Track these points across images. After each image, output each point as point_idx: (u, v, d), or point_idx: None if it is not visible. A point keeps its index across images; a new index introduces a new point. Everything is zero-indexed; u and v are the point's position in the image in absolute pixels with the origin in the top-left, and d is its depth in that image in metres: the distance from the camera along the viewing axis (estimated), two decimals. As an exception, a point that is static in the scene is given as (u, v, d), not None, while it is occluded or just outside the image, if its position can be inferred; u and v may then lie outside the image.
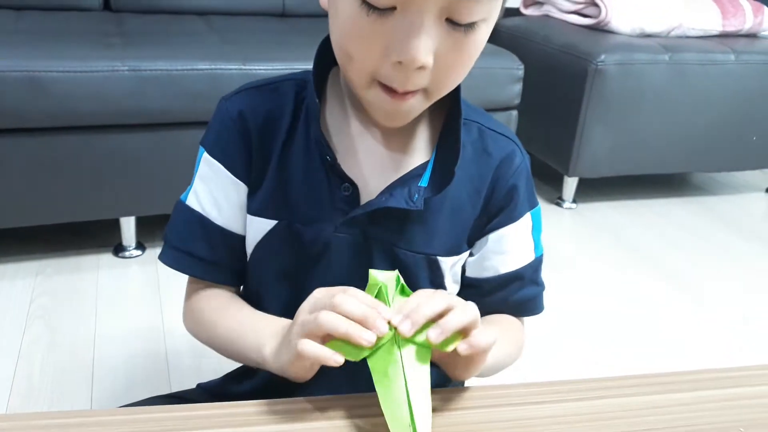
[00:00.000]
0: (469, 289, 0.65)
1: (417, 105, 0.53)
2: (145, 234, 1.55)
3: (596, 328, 1.41)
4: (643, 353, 1.33)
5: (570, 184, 1.99)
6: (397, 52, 0.47)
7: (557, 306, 1.46)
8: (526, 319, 0.69)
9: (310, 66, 0.59)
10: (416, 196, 0.57)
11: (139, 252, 1.53)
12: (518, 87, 1.65)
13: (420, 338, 0.46)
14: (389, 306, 0.48)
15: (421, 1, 0.45)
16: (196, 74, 1.33)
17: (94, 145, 1.35)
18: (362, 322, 0.46)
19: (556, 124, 1.93)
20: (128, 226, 1.50)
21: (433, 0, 0.45)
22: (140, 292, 1.39)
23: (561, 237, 1.81)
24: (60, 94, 1.26)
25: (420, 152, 0.60)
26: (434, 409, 0.46)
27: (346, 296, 0.47)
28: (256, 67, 1.37)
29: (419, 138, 0.60)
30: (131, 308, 1.34)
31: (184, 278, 0.67)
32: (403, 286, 0.50)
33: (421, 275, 0.61)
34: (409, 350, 0.46)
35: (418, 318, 0.46)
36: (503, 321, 0.66)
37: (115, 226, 1.50)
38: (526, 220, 0.63)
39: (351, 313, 0.46)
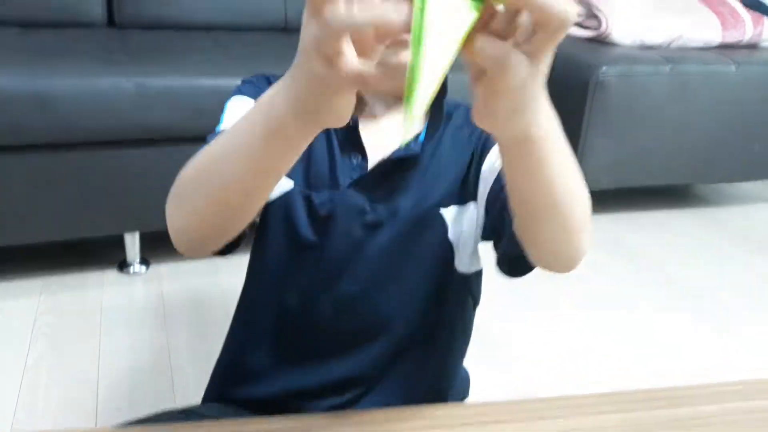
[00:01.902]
0: (500, 217, 0.60)
1: None
2: (150, 250, 1.54)
3: (601, 339, 1.40)
4: (649, 364, 1.32)
5: (573, 196, 1.99)
6: None
7: (562, 319, 1.46)
8: None
9: None
10: (413, 143, 0.63)
11: (143, 268, 1.53)
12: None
13: None
14: None
15: None
16: (201, 89, 1.34)
17: (99, 160, 1.36)
18: None
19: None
20: (132, 242, 1.50)
21: None
22: (144, 309, 1.39)
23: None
24: (65, 110, 1.27)
25: (418, 123, 0.64)
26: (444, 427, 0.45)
27: None
28: (261, 63, 1.37)
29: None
30: (135, 325, 1.34)
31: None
32: None
33: (424, 229, 0.64)
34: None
35: None
36: None
37: (119, 242, 1.51)
38: None
39: None
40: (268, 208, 0.65)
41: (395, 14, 0.32)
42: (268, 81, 0.67)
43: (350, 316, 0.67)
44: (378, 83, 0.34)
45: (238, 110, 0.64)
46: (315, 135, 0.42)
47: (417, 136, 0.63)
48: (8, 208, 1.33)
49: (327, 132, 0.63)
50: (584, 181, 0.52)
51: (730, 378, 0.60)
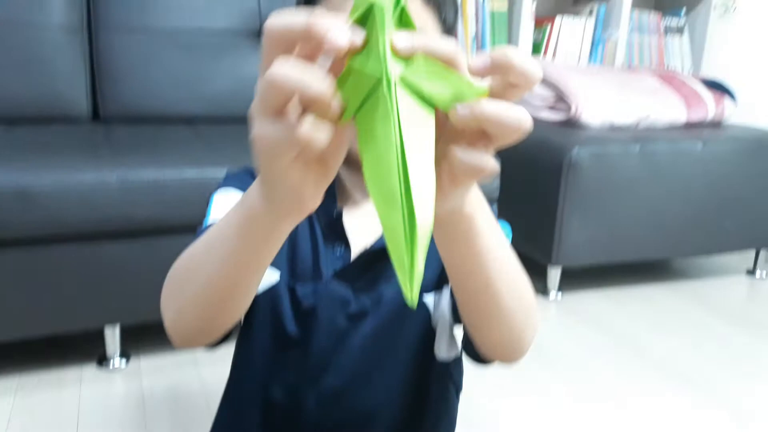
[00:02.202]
0: None
1: None
2: (130, 343, 1.52)
3: (588, 420, 1.38)
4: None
5: (553, 275, 2.01)
6: None
7: (547, 398, 1.44)
8: None
9: None
10: None
11: (123, 362, 1.49)
12: (496, 181, 1.70)
13: (421, 83, 0.32)
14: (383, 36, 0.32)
15: None
16: (184, 182, 1.36)
17: (80, 254, 1.35)
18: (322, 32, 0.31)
19: (535, 215, 1.97)
20: (113, 336, 1.48)
21: None
22: (124, 405, 1.35)
23: (548, 328, 1.80)
24: (48, 205, 1.27)
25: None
26: None
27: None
28: (245, 155, 1.40)
29: None
30: (115, 422, 1.30)
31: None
32: (402, 9, 0.33)
33: (408, 317, 0.65)
34: (407, 101, 0.32)
35: (419, 41, 0.33)
36: None
37: (99, 336, 1.48)
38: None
39: (308, 25, 0.31)
40: (255, 302, 0.65)
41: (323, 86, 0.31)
42: (252, 174, 0.69)
43: (335, 410, 0.66)
44: (334, 145, 0.33)
45: (223, 204, 0.65)
46: (290, 226, 0.42)
47: None
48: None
49: (311, 222, 0.65)
50: (523, 270, 0.52)
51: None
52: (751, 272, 2.31)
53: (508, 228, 0.68)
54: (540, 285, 2.04)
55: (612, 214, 1.95)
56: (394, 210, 0.30)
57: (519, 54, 0.34)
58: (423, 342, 0.66)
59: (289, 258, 0.65)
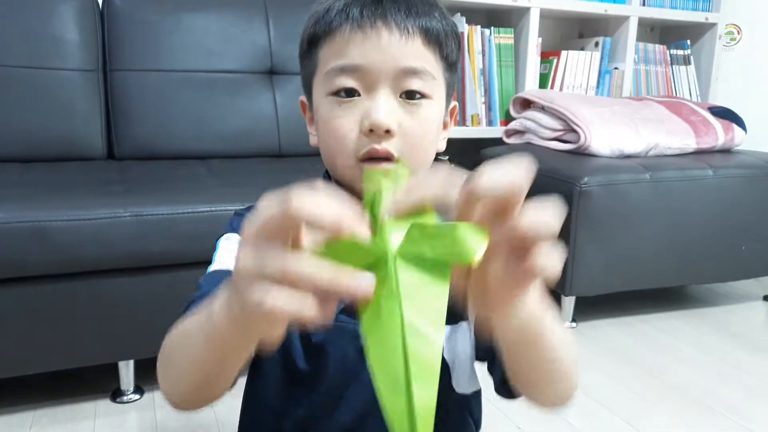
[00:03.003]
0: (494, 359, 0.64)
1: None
2: (144, 377, 1.52)
3: (609, 452, 1.36)
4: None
5: (568, 304, 2.00)
6: (367, 121, 0.60)
7: (566, 428, 1.42)
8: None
9: None
10: None
11: (137, 396, 1.50)
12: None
13: (422, 250, 0.31)
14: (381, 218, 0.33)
15: (378, 82, 0.60)
16: (197, 217, 1.38)
17: (94, 290, 1.37)
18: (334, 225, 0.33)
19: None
20: (127, 370, 1.49)
21: (386, 80, 0.60)
22: (138, 439, 1.35)
23: (564, 358, 1.78)
24: (63, 242, 1.29)
25: None
26: None
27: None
28: (257, 192, 1.42)
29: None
30: (128, 457, 1.30)
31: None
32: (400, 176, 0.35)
33: None
34: (410, 275, 0.30)
35: (416, 194, 0.34)
36: None
37: (113, 371, 1.48)
38: None
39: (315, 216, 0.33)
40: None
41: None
42: None
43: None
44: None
45: (227, 251, 0.67)
46: (257, 340, 0.41)
47: None
48: (1, 341, 1.32)
49: None
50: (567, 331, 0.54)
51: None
52: (769, 299, 2.28)
53: None
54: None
55: (624, 242, 1.94)
56: (398, 395, 0.29)
57: (490, 174, 0.34)
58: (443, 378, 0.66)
59: None
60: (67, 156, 1.79)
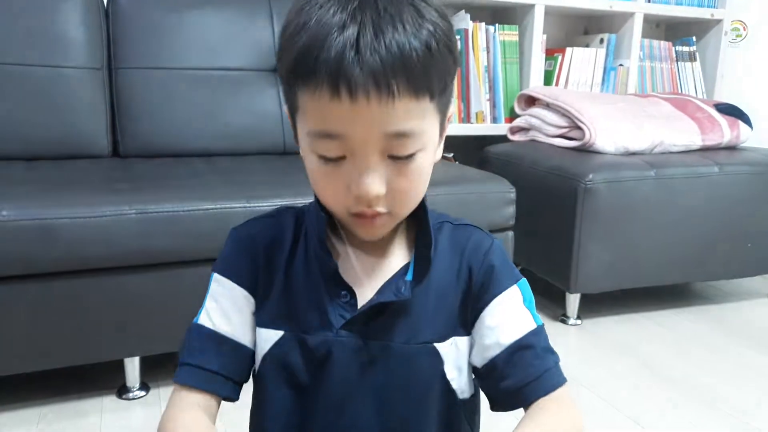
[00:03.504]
0: (487, 380, 0.67)
1: (387, 223, 0.62)
2: (150, 374, 1.53)
3: (614, 449, 1.36)
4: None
5: (573, 301, 1.99)
6: (355, 189, 0.57)
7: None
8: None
9: (310, 200, 0.68)
10: (403, 288, 0.64)
11: (143, 393, 1.50)
12: (511, 209, 1.70)
13: None
14: None
15: (364, 149, 0.56)
16: (201, 214, 1.38)
17: (100, 287, 1.37)
18: None
19: (552, 242, 1.97)
20: (132, 367, 1.49)
21: (373, 147, 0.56)
22: (143, 435, 1.36)
23: (568, 354, 1.78)
24: (69, 239, 1.30)
25: (402, 256, 0.68)
26: None
27: None
28: (260, 205, 1.42)
29: (400, 245, 0.68)
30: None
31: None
32: None
33: (420, 365, 0.65)
34: None
35: None
36: (536, 416, 0.64)
37: (119, 367, 1.49)
38: (514, 290, 0.67)
39: None
40: (265, 360, 0.67)
41: None
42: (248, 252, 0.68)
43: None
44: None
45: (221, 297, 0.67)
46: None
47: (405, 283, 0.65)
48: (7, 338, 1.33)
49: (313, 279, 0.66)
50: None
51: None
52: (775, 296, 2.28)
53: (527, 286, 0.69)
54: (559, 311, 2.03)
55: (629, 239, 1.94)
56: None
57: None
58: (439, 389, 0.66)
59: (293, 314, 0.66)
60: (72, 154, 1.79)
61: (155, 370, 1.54)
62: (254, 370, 0.70)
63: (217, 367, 0.66)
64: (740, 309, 2.18)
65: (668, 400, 1.56)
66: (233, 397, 0.68)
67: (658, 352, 1.82)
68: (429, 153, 0.60)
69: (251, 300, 0.67)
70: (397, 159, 0.57)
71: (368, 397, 0.65)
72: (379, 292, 0.65)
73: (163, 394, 1.50)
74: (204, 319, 0.67)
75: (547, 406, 0.64)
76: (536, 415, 0.63)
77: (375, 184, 0.57)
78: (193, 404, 0.65)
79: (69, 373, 1.50)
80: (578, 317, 2.01)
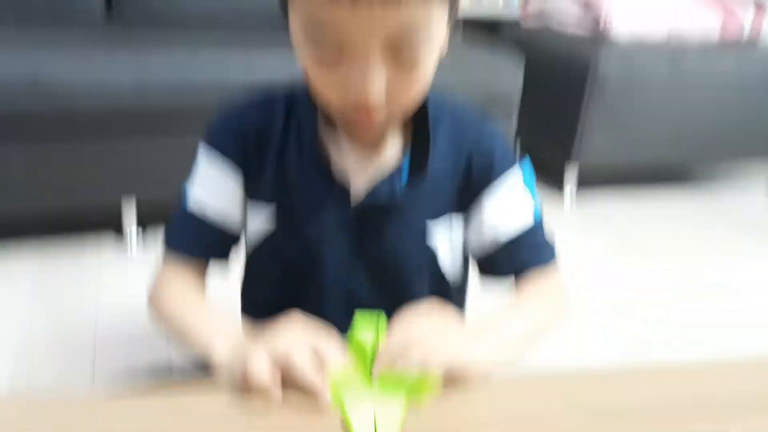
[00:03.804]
0: (483, 267, 0.68)
1: (385, 124, 0.58)
2: (147, 216, 1.56)
3: (594, 317, 1.42)
4: (640, 343, 1.34)
5: (570, 175, 2.00)
6: (353, 97, 0.52)
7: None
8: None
9: None
10: (397, 188, 0.62)
11: (140, 234, 1.54)
12: (519, 78, 1.65)
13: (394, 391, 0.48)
14: (370, 357, 0.51)
15: (364, 49, 0.49)
16: (200, 63, 1.34)
17: (97, 130, 1.36)
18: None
19: (557, 114, 1.94)
20: (129, 208, 1.52)
21: (373, 45, 0.49)
22: (141, 274, 1.40)
23: (561, 227, 1.81)
24: (61, 91, 1.28)
25: (398, 149, 0.64)
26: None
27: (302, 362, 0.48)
28: (260, 59, 1.38)
29: (396, 140, 0.64)
30: (133, 290, 1.36)
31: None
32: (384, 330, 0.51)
33: (412, 242, 0.65)
34: (383, 403, 0.48)
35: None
36: (525, 294, 0.66)
37: (116, 208, 1.52)
38: (515, 175, 0.66)
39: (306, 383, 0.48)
40: (256, 248, 0.67)
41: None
42: (238, 133, 0.65)
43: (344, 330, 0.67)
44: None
45: (207, 174, 0.65)
46: None
47: (400, 183, 0.62)
48: (8, 175, 1.34)
49: (306, 169, 0.63)
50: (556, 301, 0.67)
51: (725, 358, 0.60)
52: (772, 183, 2.28)
53: (528, 167, 0.67)
54: (555, 185, 2.04)
55: (636, 115, 1.90)
56: None
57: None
58: (434, 284, 0.67)
59: (285, 206, 0.64)
60: (65, 17, 1.70)
61: (153, 213, 1.57)
62: (246, 252, 0.70)
63: (203, 249, 0.66)
64: (737, 193, 2.19)
65: (652, 278, 1.61)
66: (224, 265, 0.69)
67: (648, 231, 1.85)
68: (434, 50, 0.54)
69: (240, 180, 0.65)
70: (400, 57, 0.51)
71: (362, 276, 0.65)
72: (373, 192, 0.62)
73: (160, 237, 1.54)
74: (192, 192, 0.65)
75: (537, 290, 0.66)
76: (522, 299, 0.65)
77: (375, 88, 0.51)
78: (180, 274, 0.66)
79: (69, 213, 1.53)
80: (575, 191, 2.02)
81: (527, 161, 0.67)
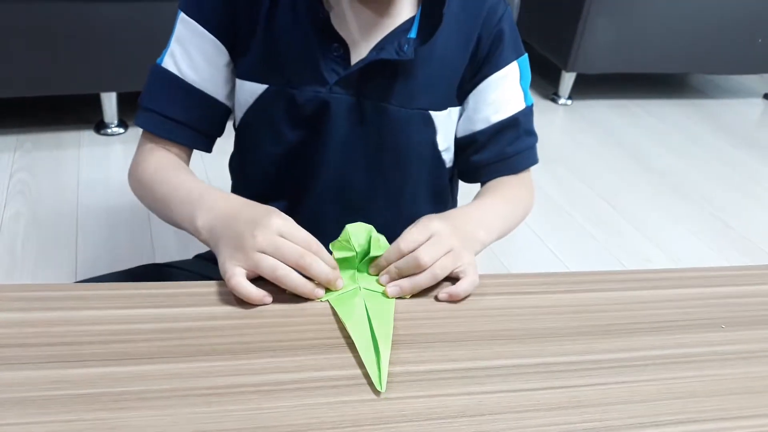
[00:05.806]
0: (466, 149, 0.65)
1: None
2: (128, 112, 1.50)
3: (583, 221, 1.41)
4: (627, 248, 1.34)
5: (567, 80, 1.94)
6: None
7: (545, 197, 1.46)
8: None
9: None
10: (406, 46, 0.58)
11: (121, 130, 1.49)
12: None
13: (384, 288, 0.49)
14: (358, 262, 0.51)
15: None
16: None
17: (73, 12, 1.28)
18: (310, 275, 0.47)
19: (559, 15, 1.87)
20: (110, 103, 1.45)
21: None
22: (123, 169, 1.36)
23: (554, 131, 1.78)
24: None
25: (407, 11, 0.59)
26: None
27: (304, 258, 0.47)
28: None
29: (406, 6, 0.59)
30: (114, 186, 1.32)
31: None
32: (378, 239, 0.51)
33: (413, 130, 0.62)
34: (374, 301, 0.48)
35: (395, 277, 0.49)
36: (499, 187, 0.65)
37: (96, 103, 1.45)
38: (514, 67, 0.63)
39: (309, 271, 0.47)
40: (248, 114, 0.62)
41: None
42: None
43: (336, 221, 0.64)
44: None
45: (187, 41, 0.60)
46: None
47: (408, 41, 0.58)
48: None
49: (301, 29, 0.58)
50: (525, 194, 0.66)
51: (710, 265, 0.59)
52: (769, 96, 2.25)
53: (527, 63, 0.64)
54: (551, 89, 1.99)
55: (639, 20, 1.84)
56: (369, 350, 0.44)
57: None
58: (429, 156, 0.63)
59: (279, 66, 0.59)
60: None
61: (134, 108, 1.50)
62: (234, 123, 0.65)
63: (183, 118, 0.60)
64: (733, 106, 2.15)
65: (641, 184, 1.60)
66: (205, 149, 0.64)
67: (642, 139, 1.83)
68: None
69: (221, 47, 0.59)
70: None
71: (359, 158, 0.61)
72: (378, 48, 0.58)
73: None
74: (168, 62, 0.60)
75: (508, 182, 0.64)
76: (496, 188, 0.64)
77: None
78: (161, 149, 0.61)
79: (46, 105, 1.47)
80: (570, 97, 1.98)
81: (525, 60, 0.64)
